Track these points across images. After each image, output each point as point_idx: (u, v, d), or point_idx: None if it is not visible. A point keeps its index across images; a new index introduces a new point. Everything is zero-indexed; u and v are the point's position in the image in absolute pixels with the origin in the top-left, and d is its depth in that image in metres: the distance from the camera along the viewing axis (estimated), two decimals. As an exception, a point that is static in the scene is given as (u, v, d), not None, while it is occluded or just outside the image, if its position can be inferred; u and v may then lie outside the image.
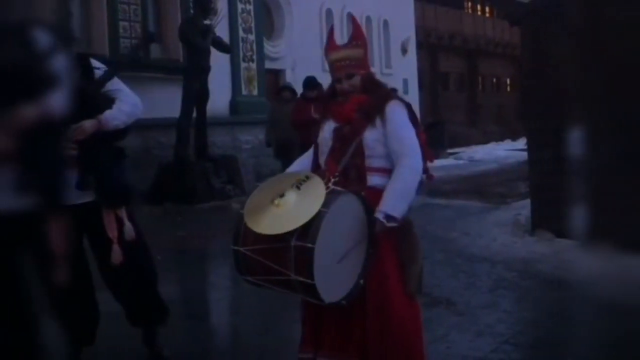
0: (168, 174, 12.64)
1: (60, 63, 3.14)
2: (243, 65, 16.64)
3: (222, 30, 14.45)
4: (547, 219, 8.42)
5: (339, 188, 3.38)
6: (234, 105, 16.35)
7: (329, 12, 21.54)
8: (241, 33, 16.88)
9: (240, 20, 16.86)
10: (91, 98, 4.04)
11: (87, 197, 4.05)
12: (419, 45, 27.21)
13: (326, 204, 3.19)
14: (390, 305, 3.45)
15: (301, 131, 9.59)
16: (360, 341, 3.45)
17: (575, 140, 7.89)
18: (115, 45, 13.64)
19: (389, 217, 3.38)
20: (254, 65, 17.00)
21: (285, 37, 19.65)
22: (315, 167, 3.69)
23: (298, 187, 3.27)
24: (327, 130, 3.67)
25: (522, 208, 9.87)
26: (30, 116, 2.98)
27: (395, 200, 3.42)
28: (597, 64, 7.78)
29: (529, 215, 8.93)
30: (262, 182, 3.48)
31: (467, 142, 29.27)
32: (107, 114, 4.08)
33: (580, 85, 8.03)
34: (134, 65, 4.02)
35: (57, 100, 3.10)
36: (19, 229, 3.15)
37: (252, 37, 17.21)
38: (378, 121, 3.54)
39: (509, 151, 25.33)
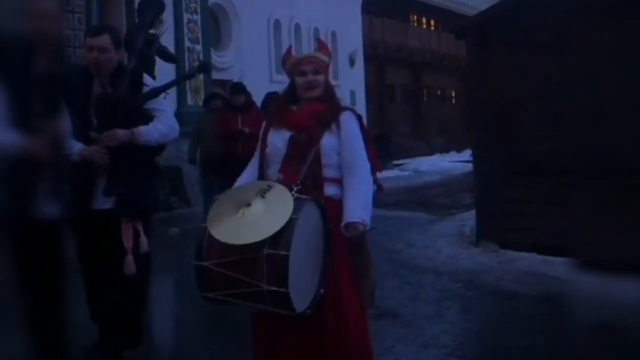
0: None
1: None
2: (190, 74, 16.52)
3: (168, 41, 14.29)
4: (492, 230, 8.50)
5: (303, 195, 3.34)
6: (179, 116, 15.97)
7: (277, 23, 21.54)
8: (187, 43, 16.76)
9: (186, 30, 16.74)
10: (131, 110, 4.18)
11: (109, 205, 4.14)
12: (366, 58, 27.36)
13: (296, 210, 3.16)
14: (347, 318, 3.43)
15: (227, 144, 8.83)
16: (319, 355, 3.41)
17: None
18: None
19: (363, 224, 3.39)
20: (200, 76, 16.89)
21: (233, 47, 19.58)
22: (261, 179, 3.61)
23: (263, 196, 3.23)
24: (279, 140, 3.58)
25: (467, 219, 9.95)
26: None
27: (362, 208, 3.42)
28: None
29: (474, 227, 9.00)
30: (220, 194, 3.40)
31: (412, 154, 29.45)
32: (142, 128, 4.18)
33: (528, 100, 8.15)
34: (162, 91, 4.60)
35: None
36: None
37: (198, 47, 17.10)
38: (334, 128, 3.53)
39: (453, 163, 25.56)
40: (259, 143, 3.71)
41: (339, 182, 3.53)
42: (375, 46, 29.66)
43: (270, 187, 3.31)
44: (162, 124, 4.30)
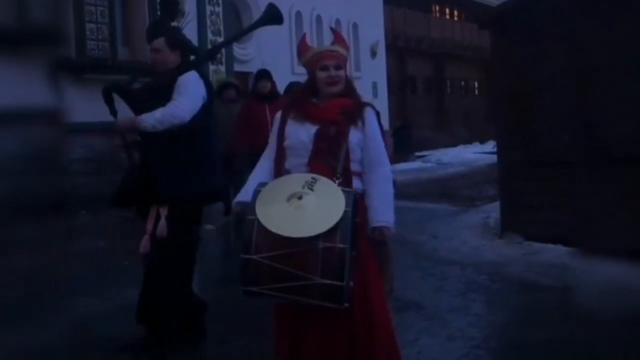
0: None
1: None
2: (212, 67, 16.52)
3: (190, 33, 14.33)
4: (517, 221, 8.44)
5: (346, 188, 3.35)
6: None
7: (299, 15, 21.48)
8: (210, 35, 16.75)
9: (209, 23, 16.73)
10: (138, 100, 4.69)
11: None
12: (388, 49, 27.24)
13: (347, 203, 3.16)
14: (375, 309, 3.43)
15: (252, 136, 8.16)
16: (346, 347, 3.40)
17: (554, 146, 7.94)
18: (82, 47, 13.47)
19: (390, 226, 3.46)
20: (222, 68, 16.88)
21: (254, 39, 19.54)
22: (278, 174, 3.57)
23: (311, 189, 3.21)
24: (303, 133, 3.54)
25: (491, 211, 9.90)
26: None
27: (388, 209, 3.49)
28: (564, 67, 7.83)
29: (498, 218, 8.95)
30: (260, 187, 3.33)
31: (435, 145, 29.33)
32: (143, 115, 4.51)
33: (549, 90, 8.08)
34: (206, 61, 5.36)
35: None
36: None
37: (220, 39, 17.08)
38: (359, 124, 3.53)
39: (477, 154, 25.44)
40: (275, 136, 3.67)
41: (360, 176, 3.55)
42: (396, 37, 29.53)
43: (315, 179, 3.28)
44: (163, 109, 4.49)
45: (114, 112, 4.69)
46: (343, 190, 3.26)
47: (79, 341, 4.79)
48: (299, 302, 3.20)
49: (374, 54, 25.46)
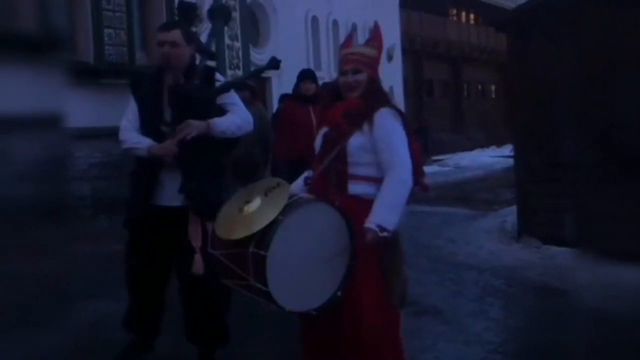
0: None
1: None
2: (229, 72, 16.57)
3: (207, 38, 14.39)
4: (534, 225, 8.41)
5: (307, 196, 3.37)
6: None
7: (315, 19, 21.53)
8: (227, 40, 16.82)
9: (226, 28, 16.80)
10: (203, 104, 4.19)
11: (178, 202, 4.16)
12: (404, 52, 27.24)
13: (285, 211, 3.18)
14: (361, 314, 3.39)
15: (296, 140, 7.49)
16: (334, 351, 3.44)
17: (565, 148, 7.88)
18: (100, 53, 13.56)
19: (381, 229, 3.30)
20: (240, 73, 16.94)
21: (272, 44, 19.61)
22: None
23: (265, 194, 3.29)
24: (319, 137, 3.60)
25: (508, 215, 9.85)
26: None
27: (386, 212, 3.34)
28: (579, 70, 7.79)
29: (515, 222, 8.92)
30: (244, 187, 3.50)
31: (452, 149, 29.28)
32: (217, 119, 4.19)
33: (565, 93, 8.03)
34: (244, 84, 4.78)
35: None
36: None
37: (238, 44, 17.16)
38: (366, 127, 3.45)
39: (494, 158, 25.36)
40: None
41: (373, 180, 3.46)
42: (412, 41, 29.51)
43: (278, 185, 3.35)
44: (237, 116, 4.29)
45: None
46: (299, 199, 3.31)
47: (98, 343, 4.79)
48: (256, 301, 3.30)
49: (390, 57, 25.44)
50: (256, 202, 3.26)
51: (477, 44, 35.27)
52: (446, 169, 22.98)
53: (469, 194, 15.12)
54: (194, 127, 4.07)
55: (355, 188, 3.46)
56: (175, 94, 4.19)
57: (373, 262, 3.42)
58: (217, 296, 4.33)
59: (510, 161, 10.04)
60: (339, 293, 3.30)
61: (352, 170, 3.46)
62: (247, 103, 9.00)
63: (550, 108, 8.25)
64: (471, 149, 31.06)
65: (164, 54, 4.20)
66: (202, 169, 4.18)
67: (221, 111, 4.26)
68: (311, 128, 6.63)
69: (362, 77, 3.55)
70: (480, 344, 5.05)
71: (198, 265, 4.10)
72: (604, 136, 7.56)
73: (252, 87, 9.22)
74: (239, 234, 3.18)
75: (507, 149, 21.33)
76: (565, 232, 7.80)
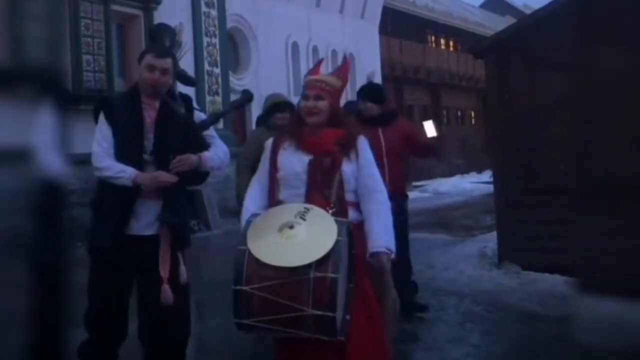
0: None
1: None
2: (208, 98, 16.61)
3: (187, 64, 14.39)
4: (514, 251, 8.41)
5: (340, 218, 3.32)
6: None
7: (295, 46, 21.61)
8: (207, 66, 16.85)
9: (205, 54, 16.84)
10: (195, 137, 4.17)
11: (151, 230, 4.08)
12: (384, 78, 27.39)
13: (339, 232, 3.12)
14: (375, 340, 3.40)
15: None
16: None
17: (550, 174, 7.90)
18: (79, 79, 13.53)
19: (390, 251, 3.42)
20: (219, 99, 16.97)
21: (251, 70, 19.66)
22: (273, 204, 3.52)
23: (303, 218, 3.16)
24: (297, 163, 3.52)
25: (489, 240, 9.85)
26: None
27: (388, 234, 3.47)
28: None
29: (496, 248, 8.92)
30: (253, 217, 3.30)
31: (432, 175, 29.37)
32: (207, 154, 4.16)
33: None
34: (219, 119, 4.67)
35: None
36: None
37: (217, 70, 17.18)
38: (353, 155, 3.53)
39: (474, 184, 25.47)
40: (267, 164, 3.64)
41: (356, 206, 3.54)
42: (392, 67, 29.70)
43: (308, 209, 3.25)
44: (219, 150, 4.27)
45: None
46: (336, 220, 3.22)
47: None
48: (291, 336, 3.13)
49: (370, 83, 25.51)
50: (301, 226, 3.12)
51: (456, 70, 35.55)
52: (426, 195, 23.03)
53: (449, 220, 15.14)
54: (191, 163, 4.06)
55: (352, 214, 3.52)
56: (169, 120, 4.12)
57: (364, 287, 3.43)
58: (182, 328, 4.27)
59: (490, 187, 10.06)
60: (347, 317, 3.22)
61: (347, 196, 3.51)
62: (384, 120, 6.95)
63: (529, 134, 8.29)
64: (451, 175, 31.19)
65: (152, 80, 4.12)
66: (179, 199, 4.15)
67: (205, 143, 4.23)
68: (380, 155, 5.52)
69: (324, 104, 3.56)
70: (461, 371, 5.02)
71: (166, 294, 4.03)
72: (587, 163, 7.59)
73: (294, 107, 7.70)
74: (304, 259, 3.01)
75: (487, 175, 21.42)
76: (546, 259, 7.79)
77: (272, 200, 3.55)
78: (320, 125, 3.56)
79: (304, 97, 3.59)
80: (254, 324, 3.09)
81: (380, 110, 6.56)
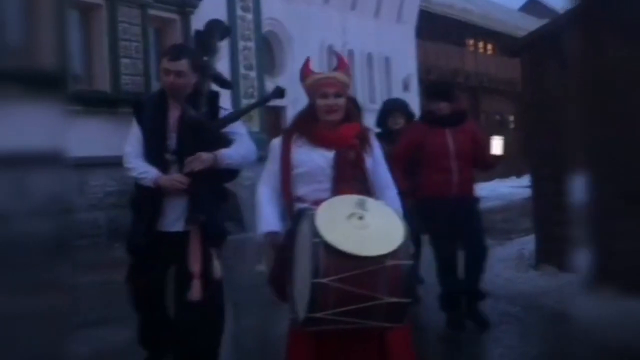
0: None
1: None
2: (244, 101, 16.66)
3: (223, 68, 14.47)
4: (551, 253, 8.30)
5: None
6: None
7: (330, 49, 21.62)
8: (242, 70, 16.94)
9: (241, 57, 16.92)
10: (212, 134, 4.19)
11: (178, 227, 4.16)
12: (420, 82, 27.28)
13: (402, 220, 3.22)
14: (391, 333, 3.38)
15: (429, 175, 5.86)
16: None
17: (577, 184, 7.77)
18: (117, 82, 13.67)
19: None
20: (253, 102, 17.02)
21: (287, 73, 19.69)
22: (289, 201, 3.55)
23: (364, 209, 3.18)
24: (320, 158, 3.53)
25: (527, 243, 9.77)
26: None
27: None
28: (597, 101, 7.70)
29: (533, 250, 8.82)
30: (312, 211, 3.24)
31: (471, 179, 29.13)
32: (224, 151, 4.18)
33: (579, 125, 7.95)
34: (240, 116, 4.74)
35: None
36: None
37: (253, 73, 17.26)
38: (369, 149, 3.62)
39: (513, 188, 25.23)
40: (276, 164, 3.63)
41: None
42: (428, 71, 29.56)
43: (364, 200, 3.25)
44: (242, 147, 4.28)
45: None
46: (392, 208, 3.34)
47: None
48: (357, 327, 3.11)
49: (406, 87, 25.48)
50: (369, 216, 3.14)
51: (495, 74, 35.26)
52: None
53: (488, 223, 14.93)
54: (203, 160, 4.08)
55: None
56: (184, 122, 4.17)
57: None
58: (218, 323, 4.30)
59: (530, 191, 9.94)
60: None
61: (369, 190, 3.55)
62: (399, 133, 6.70)
63: (564, 136, 8.16)
64: (490, 179, 30.93)
65: (168, 83, 4.22)
66: (207, 196, 4.17)
67: (226, 140, 4.26)
68: (446, 157, 5.78)
69: (342, 101, 3.60)
70: (496, 371, 4.96)
71: (196, 290, 4.06)
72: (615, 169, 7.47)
73: (408, 109, 7.49)
74: (385, 247, 3.05)
75: (526, 180, 21.19)
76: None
77: (288, 198, 3.55)
78: (339, 121, 3.60)
79: (323, 95, 3.58)
80: (325, 316, 3.05)
81: (450, 110, 6.13)
